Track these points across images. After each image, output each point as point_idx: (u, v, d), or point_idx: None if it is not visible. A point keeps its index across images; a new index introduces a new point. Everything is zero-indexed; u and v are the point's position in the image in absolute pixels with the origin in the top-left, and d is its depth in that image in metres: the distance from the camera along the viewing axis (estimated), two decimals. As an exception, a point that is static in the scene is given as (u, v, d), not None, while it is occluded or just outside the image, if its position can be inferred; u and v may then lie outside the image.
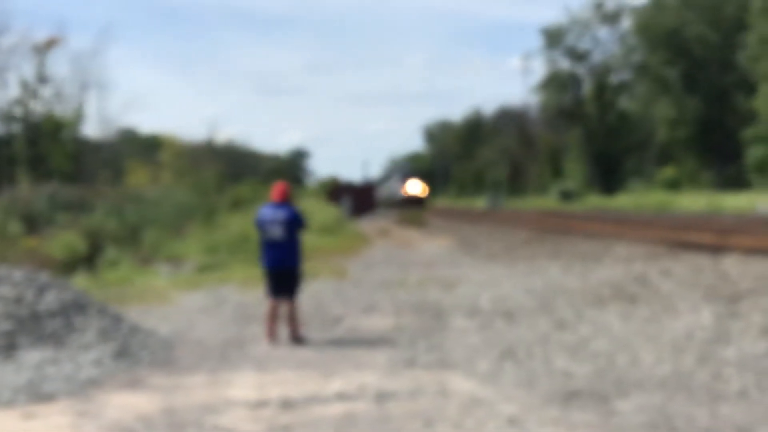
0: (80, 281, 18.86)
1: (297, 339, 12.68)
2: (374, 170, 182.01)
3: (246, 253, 24.31)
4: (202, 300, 17.41)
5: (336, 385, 9.63)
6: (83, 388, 9.83)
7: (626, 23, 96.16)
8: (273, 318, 12.82)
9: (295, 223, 12.91)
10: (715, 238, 23.10)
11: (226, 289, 18.94)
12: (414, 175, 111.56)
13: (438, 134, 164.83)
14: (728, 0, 73.95)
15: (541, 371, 10.07)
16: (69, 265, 21.24)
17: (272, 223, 12.84)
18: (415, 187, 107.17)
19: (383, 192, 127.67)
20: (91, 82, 49.76)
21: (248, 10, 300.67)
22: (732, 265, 17.41)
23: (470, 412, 8.27)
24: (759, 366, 9.72)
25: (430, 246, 34.48)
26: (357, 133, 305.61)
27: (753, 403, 8.30)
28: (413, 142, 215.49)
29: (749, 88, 66.54)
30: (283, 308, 12.89)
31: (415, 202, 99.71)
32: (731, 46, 71.20)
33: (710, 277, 16.49)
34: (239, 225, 29.43)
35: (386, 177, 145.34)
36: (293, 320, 12.80)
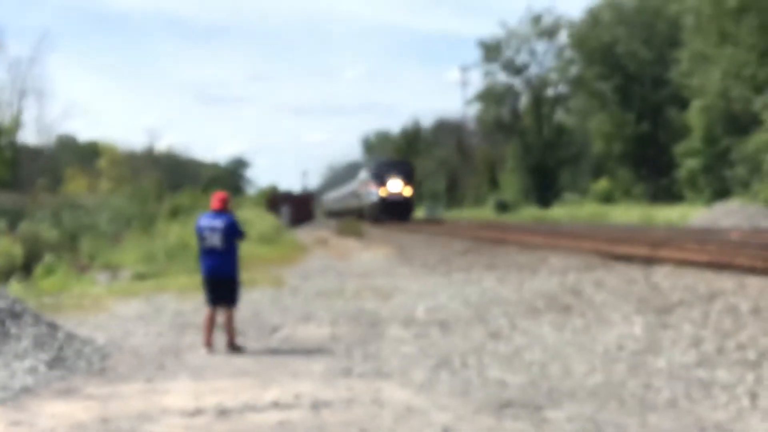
0: (16, 289, 18.57)
1: (234, 347, 12.61)
2: (313, 180, 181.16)
3: (185, 262, 24.17)
4: (139, 308, 17.26)
5: (272, 393, 9.58)
6: (17, 397, 9.68)
7: (563, 38, 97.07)
8: (211, 326, 12.75)
9: (233, 231, 12.86)
10: (647, 250, 23.36)
11: (164, 298, 18.79)
12: (394, 171, 77.86)
13: (377, 145, 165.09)
14: (660, 17, 74.91)
15: (475, 381, 10.11)
16: (5, 273, 20.92)
17: (211, 231, 12.78)
18: (396, 186, 75.97)
19: (336, 198, 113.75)
20: (29, 90, 49.24)
21: (188, 19, 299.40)
22: (663, 276, 17.61)
23: (405, 421, 8.28)
24: (688, 376, 9.85)
25: (368, 256, 34.47)
26: (297, 143, 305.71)
27: (682, 412, 8.40)
28: (352, 153, 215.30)
29: (682, 103, 67.49)
30: (221, 316, 12.84)
31: (397, 207, 73.89)
32: (664, 63, 72.16)
33: (642, 289, 16.67)
34: (178, 233, 29.28)
35: (341, 177, 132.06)
36: (230, 329, 12.75)
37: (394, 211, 71.37)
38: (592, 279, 18.84)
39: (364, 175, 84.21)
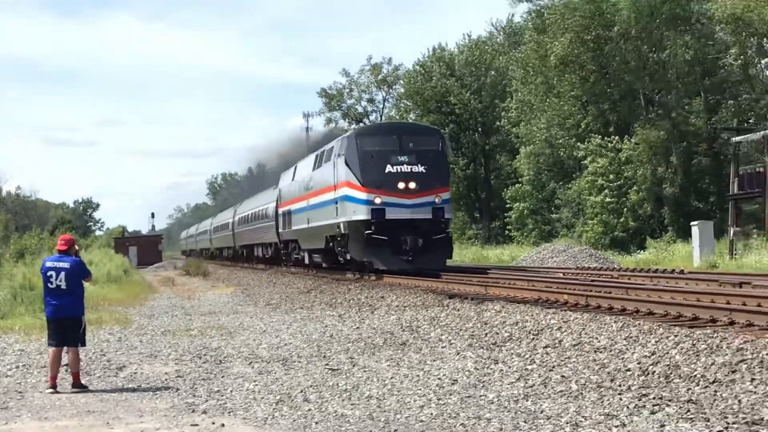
0: None
1: (79, 386, 12.34)
2: (162, 222, 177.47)
3: (30, 303, 23.54)
4: (-20, 349, 16.67)
5: (116, 432, 9.41)
6: None
7: (400, 87, 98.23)
8: (55, 366, 12.44)
9: (78, 273, 12.65)
10: (479, 288, 23.83)
11: (8, 338, 18.21)
12: (406, 150, 32.21)
13: (222, 187, 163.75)
14: (489, 69, 76.84)
15: (316, 415, 10.13)
16: None
17: (56, 272, 12.54)
18: (414, 182, 31.41)
19: (224, 227, 75.39)
20: None
21: (38, 64, 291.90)
22: (494, 313, 17.97)
23: (248, 455, 8.25)
24: (516, 407, 10.09)
25: (214, 295, 34.23)
26: (145, 185, 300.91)
27: (509, 441, 8.60)
28: (199, 196, 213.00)
29: (512, 149, 69.49)
30: (66, 356, 12.54)
31: (416, 232, 31.21)
32: (494, 111, 74.16)
33: (474, 325, 16.99)
34: (24, 274, 28.56)
35: (251, 184, 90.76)
36: (75, 368, 12.47)
37: (409, 246, 31.30)
38: (428, 316, 19.11)
39: (332, 156, 36.16)
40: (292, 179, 45.24)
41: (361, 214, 30.99)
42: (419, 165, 31.38)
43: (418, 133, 35.30)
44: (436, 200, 31.14)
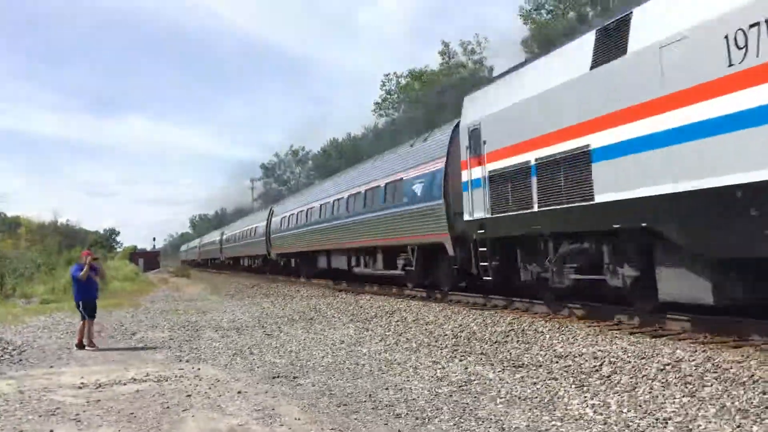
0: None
1: (92, 345, 11.77)
2: (159, 242, 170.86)
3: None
4: (44, 321, 15.85)
5: (131, 373, 9.00)
6: (-45, 379, 8.67)
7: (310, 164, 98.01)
8: (84, 332, 11.90)
9: (73, 274, 12.42)
10: (357, 287, 23.75)
11: (60, 315, 17.33)
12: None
13: (199, 224, 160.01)
14: (360, 152, 76.22)
15: (257, 362, 9.91)
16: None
17: (76, 273, 12.27)
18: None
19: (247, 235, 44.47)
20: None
21: (82, 143, 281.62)
22: (365, 301, 17.96)
23: (215, 387, 7.99)
24: (379, 357, 10.07)
25: (194, 289, 33.22)
26: (149, 220, 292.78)
27: (376, 378, 8.57)
28: (183, 227, 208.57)
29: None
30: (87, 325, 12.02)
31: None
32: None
33: (354, 308, 16.95)
34: (69, 275, 27.45)
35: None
36: (91, 333, 11.95)
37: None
38: (326, 302, 18.97)
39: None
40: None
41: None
42: None
43: None
44: None
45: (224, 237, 57.72)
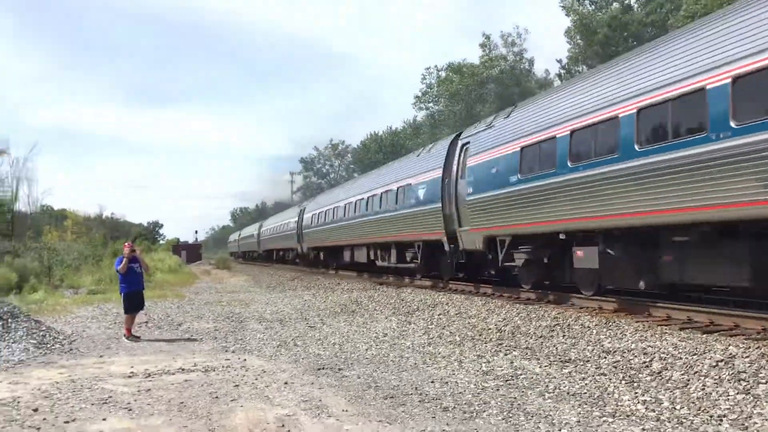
0: (13, 300, 17.07)
1: (135, 337, 11.89)
2: (201, 235, 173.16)
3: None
4: (93, 312, 16.17)
5: (179, 363, 9.15)
6: (15, 366, 8.97)
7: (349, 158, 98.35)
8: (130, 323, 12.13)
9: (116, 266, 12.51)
10: (397, 281, 23.78)
11: (108, 305, 17.69)
12: None
13: (240, 215, 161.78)
14: (404, 147, 75.86)
15: (302, 354, 9.99)
16: (5, 290, 19.34)
17: (117, 265, 12.42)
18: None
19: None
20: (23, 178, 45.88)
21: (124, 140, 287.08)
22: (407, 294, 17.96)
23: (261, 378, 8.08)
24: (423, 350, 10.06)
25: (236, 281, 33.64)
26: (191, 214, 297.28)
27: (420, 371, 8.56)
28: (224, 220, 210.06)
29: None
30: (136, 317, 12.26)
31: None
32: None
33: (395, 301, 16.95)
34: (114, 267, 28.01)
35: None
36: (130, 324, 12.12)
37: None
38: (367, 295, 19.02)
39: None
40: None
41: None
42: None
43: None
44: None
45: (262, 230, 59.69)
